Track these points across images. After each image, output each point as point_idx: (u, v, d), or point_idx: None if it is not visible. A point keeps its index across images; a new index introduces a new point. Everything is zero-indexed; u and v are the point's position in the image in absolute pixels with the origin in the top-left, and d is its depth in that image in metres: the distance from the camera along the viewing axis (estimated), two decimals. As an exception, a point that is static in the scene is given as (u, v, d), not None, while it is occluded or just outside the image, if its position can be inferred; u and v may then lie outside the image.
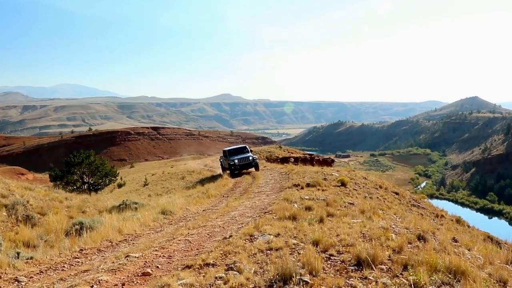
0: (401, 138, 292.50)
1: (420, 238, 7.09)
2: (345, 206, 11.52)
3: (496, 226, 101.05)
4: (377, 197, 16.80)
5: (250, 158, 28.13)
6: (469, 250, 7.44)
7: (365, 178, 21.51)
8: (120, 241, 9.56)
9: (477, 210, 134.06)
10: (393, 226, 8.09)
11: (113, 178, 39.46)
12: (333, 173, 21.00)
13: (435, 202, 50.26)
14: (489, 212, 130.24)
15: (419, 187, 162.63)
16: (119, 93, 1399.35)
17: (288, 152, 53.88)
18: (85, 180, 36.03)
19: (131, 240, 9.69)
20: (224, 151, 30.83)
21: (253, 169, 28.76)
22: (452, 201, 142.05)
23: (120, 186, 52.06)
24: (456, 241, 8.28)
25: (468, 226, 18.56)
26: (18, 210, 13.02)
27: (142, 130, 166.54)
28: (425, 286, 4.64)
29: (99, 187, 37.37)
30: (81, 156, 35.63)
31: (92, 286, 5.60)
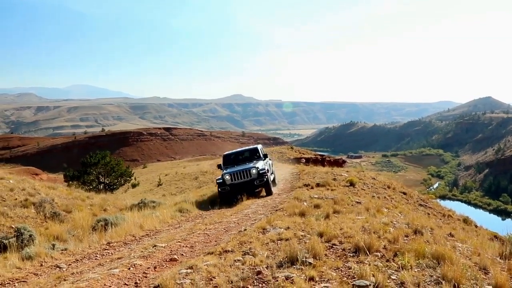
0: (414, 138, 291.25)
1: (417, 232, 7.80)
2: (352, 205, 12.17)
3: (510, 228, 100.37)
4: (385, 197, 17.36)
5: (253, 171, 16.95)
6: (463, 243, 8.15)
7: (374, 178, 22.03)
8: (142, 236, 10.40)
9: (490, 211, 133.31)
10: (394, 222, 8.80)
11: (128, 178, 40.42)
12: (342, 174, 21.59)
13: (447, 203, 50.46)
14: (503, 213, 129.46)
15: (431, 188, 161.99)
16: (131, 94, 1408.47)
17: (300, 153, 54.49)
18: (101, 180, 36.98)
19: (152, 235, 10.53)
20: (223, 157, 20.06)
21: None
22: (465, 202, 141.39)
23: (134, 186, 53.04)
24: (452, 236, 9.01)
25: (476, 226, 18.92)
26: (45, 207, 13.97)
27: (154, 131, 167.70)
28: (411, 268, 5.43)
29: (115, 187, 38.28)
30: (97, 156, 36.60)
31: (129, 268, 6.49)
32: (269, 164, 19.84)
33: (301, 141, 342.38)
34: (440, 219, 16.95)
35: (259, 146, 20.44)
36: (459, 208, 24.59)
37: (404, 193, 20.36)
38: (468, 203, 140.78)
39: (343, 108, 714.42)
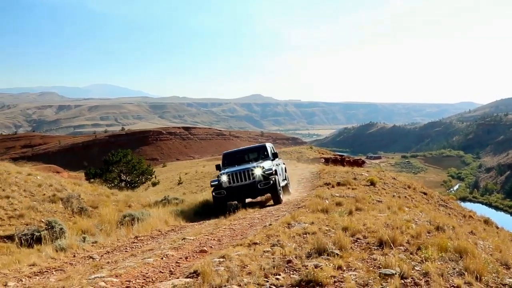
0: (434, 139, 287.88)
1: (439, 229, 7.96)
2: (373, 203, 12.33)
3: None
4: (405, 196, 17.49)
5: (256, 172, 14.03)
6: (484, 241, 8.28)
7: (394, 178, 22.12)
8: (168, 231, 10.73)
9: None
10: (416, 220, 8.96)
11: (149, 177, 40.93)
12: (363, 173, 21.71)
13: (468, 205, 49.88)
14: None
15: (452, 189, 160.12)
16: (151, 93, 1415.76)
17: (319, 152, 54.59)
18: (122, 178, 37.54)
19: (178, 230, 10.86)
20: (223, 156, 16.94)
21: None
22: (485, 204, 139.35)
23: (154, 184, 53.51)
24: (473, 233, 9.13)
25: (497, 227, 18.90)
26: (73, 203, 14.41)
27: (173, 130, 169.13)
28: (434, 261, 5.61)
29: (136, 185, 38.80)
30: (119, 154, 37.17)
31: (162, 258, 6.80)
32: (282, 168, 16.91)
33: (320, 141, 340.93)
34: (461, 219, 16.98)
35: (268, 144, 17.12)
36: (480, 210, 24.31)
37: (425, 193, 20.41)
38: (489, 205, 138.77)
39: (362, 109, 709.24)
